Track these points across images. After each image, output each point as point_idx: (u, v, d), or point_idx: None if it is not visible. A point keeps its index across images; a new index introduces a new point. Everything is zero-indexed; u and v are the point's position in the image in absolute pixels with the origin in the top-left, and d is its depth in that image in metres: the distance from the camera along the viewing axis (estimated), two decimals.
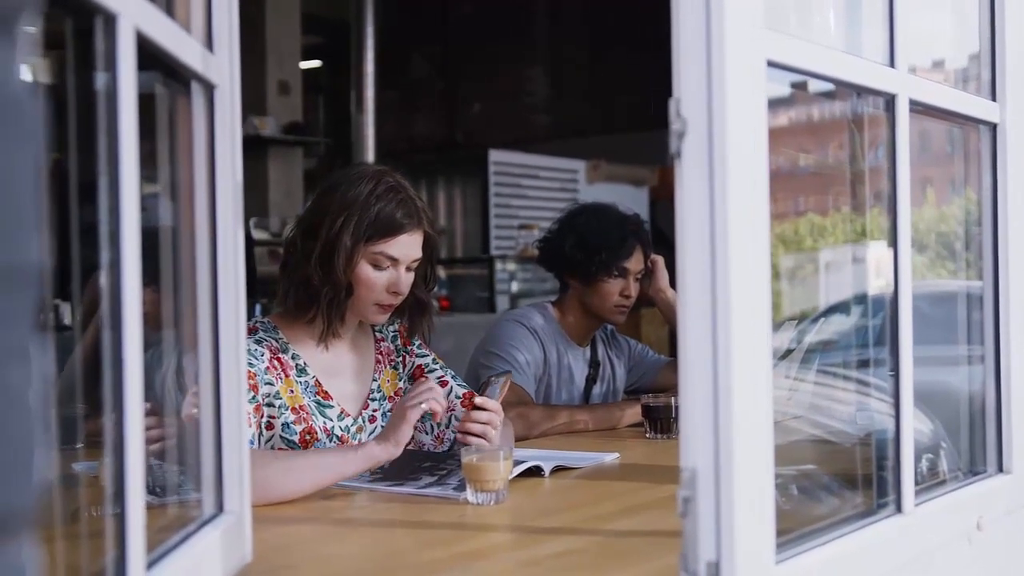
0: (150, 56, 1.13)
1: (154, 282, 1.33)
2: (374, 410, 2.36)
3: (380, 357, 2.42)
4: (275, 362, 2.20)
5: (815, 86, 1.57)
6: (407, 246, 2.25)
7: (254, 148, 7.10)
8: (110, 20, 1.01)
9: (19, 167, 0.57)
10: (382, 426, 2.33)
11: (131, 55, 1.04)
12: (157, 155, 1.36)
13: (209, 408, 1.39)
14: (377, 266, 2.23)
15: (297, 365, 2.26)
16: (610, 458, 2.38)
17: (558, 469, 2.22)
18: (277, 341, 2.25)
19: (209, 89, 1.37)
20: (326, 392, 2.28)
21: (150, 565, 1.11)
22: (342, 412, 2.28)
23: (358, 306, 2.27)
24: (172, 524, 1.34)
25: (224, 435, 1.40)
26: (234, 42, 1.42)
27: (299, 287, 2.24)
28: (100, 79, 1.04)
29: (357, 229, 2.19)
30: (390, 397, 2.40)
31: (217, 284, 1.39)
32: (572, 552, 1.60)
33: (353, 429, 2.30)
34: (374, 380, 2.39)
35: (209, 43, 1.37)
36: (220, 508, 1.40)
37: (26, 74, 0.59)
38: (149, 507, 1.09)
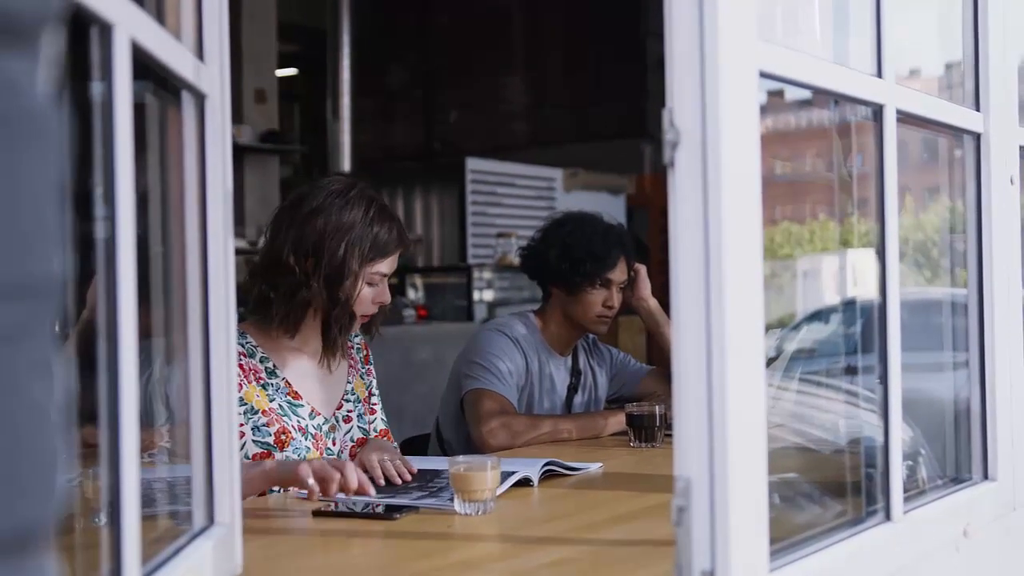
0: (142, 65, 1.13)
1: (143, 292, 1.32)
2: (348, 411, 2.44)
3: (352, 362, 2.50)
4: (238, 368, 2.23)
5: (791, 94, 1.57)
6: (395, 261, 2.37)
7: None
8: (106, 30, 1.01)
9: (41, 180, 0.56)
10: (358, 427, 2.43)
11: (127, 65, 1.03)
12: (147, 165, 1.35)
13: (199, 420, 1.39)
14: (371, 284, 2.33)
15: (267, 368, 2.31)
16: (595, 467, 2.38)
17: (547, 475, 2.22)
18: (243, 346, 2.28)
19: (200, 99, 1.37)
20: (296, 392, 2.33)
21: None
22: (312, 411, 2.33)
23: None
24: (163, 536, 1.33)
25: (215, 447, 1.39)
26: (224, 52, 1.42)
27: (300, 309, 2.29)
28: (95, 88, 1.03)
29: (361, 253, 2.28)
30: (363, 400, 2.48)
31: (208, 293, 1.38)
32: (564, 561, 1.59)
33: (326, 428, 2.36)
34: (348, 382, 2.46)
35: (200, 53, 1.37)
36: (211, 520, 1.39)
37: (47, 87, 0.59)
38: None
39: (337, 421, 2.40)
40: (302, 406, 2.32)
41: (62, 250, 0.59)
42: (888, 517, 1.55)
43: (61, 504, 0.59)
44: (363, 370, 2.53)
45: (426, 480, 2.17)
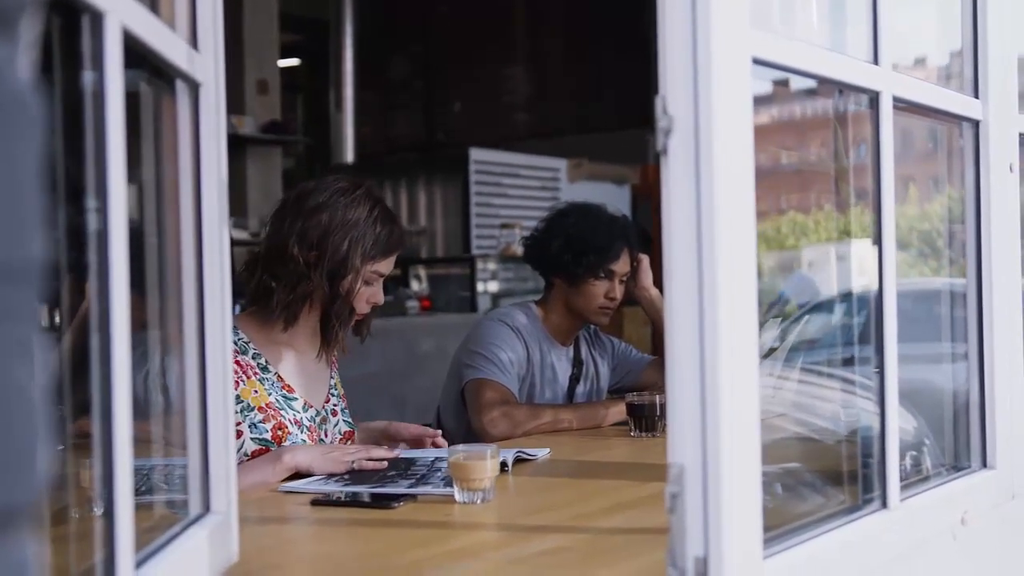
0: (135, 54, 1.13)
1: (138, 283, 1.32)
2: (334, 405, 2.49)
3: (333, 359, 2.53)
4: (234, 365, 2.24)
5: (797, 84, 1.57)
6: (392, 263, 2.41)
7: (232, 147, 7.01)
8: (97, 18, 1.01)
9: (22, 164, 0.57)
10: (344, 420, 2.48)
11: (118, 53, 1.03)
12: (141, 154, 1.35)
13: (195, 409, 1.39)
14: (367, 282, 2.36)
15: (259, 364, 2.34)
16: (542, 453, 2.41)
17: (519, 461, 2.27)
18: (236, 343, 2.29)
19: (194, 88, 1.37)
20: (289, 386, 2.36)
21: (138, 565, 1.11)
22: (305, 404, 2.37)
23: None
24: (159, 524, 1.33)
25: (210, 435, 1.40)
26: (219, 40, 1.42)
27: (301, 301, 2.32)
28: (87, 77, 1.03)
29: (363, 250, 2.31)
30: (342, 395, 2.53)
31: (203, 284, 1.38)
32: (560, 550, 1.60)
33: (318, 420, 2.40)
34: (332, 377, 2.51)
35: (194, 41, 1.37)
36: (207, 508, 1.39)
37: (27, 72, 0.59)
38: (135, 507, 1.09)
39: (327, 414, 2.44)
40: (296, 399, 2.36)
41: (43, 234, 0.60)
42: (884, 505, 1.55)
43: (43, 485, 0.60)
44: (338, 368, 2.58)
45: (404, 468, 2.17)
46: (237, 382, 2.25)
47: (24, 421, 0.57)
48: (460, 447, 1.98)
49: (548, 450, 2.45)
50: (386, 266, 2.37)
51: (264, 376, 2.32)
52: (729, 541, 1.18)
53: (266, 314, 2.33)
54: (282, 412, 2.30)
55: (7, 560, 0.55)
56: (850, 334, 2.06)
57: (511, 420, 2.80)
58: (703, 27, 1.17)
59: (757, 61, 1.26)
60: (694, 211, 1.19)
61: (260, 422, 2.26)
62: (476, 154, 8.23)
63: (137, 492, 1.15)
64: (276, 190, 7.80)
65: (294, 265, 2.28)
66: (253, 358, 2.32)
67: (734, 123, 1.21)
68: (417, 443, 2.46)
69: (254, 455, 2.23)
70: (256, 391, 2.29)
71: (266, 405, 2.28)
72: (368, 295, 2.37)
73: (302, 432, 2.32)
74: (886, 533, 1.53)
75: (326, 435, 2.41)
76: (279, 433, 2.27)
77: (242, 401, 2.25)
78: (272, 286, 2.30)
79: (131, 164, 1.09)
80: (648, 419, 2.70)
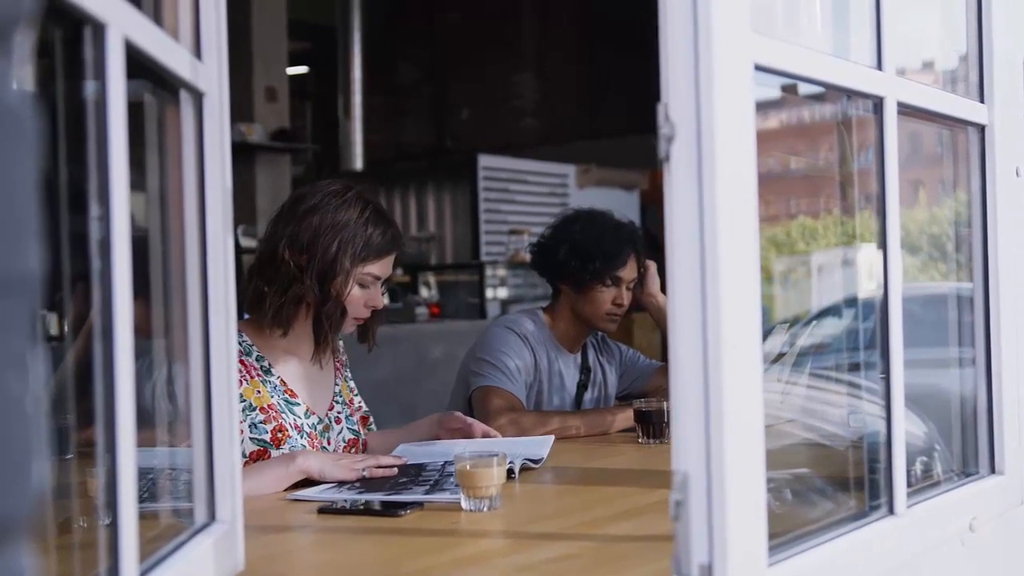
0: (138, 64, 1.13)
1: (143, 292, 1.33)
2: (338, 412, 2.48)
3: (339, 366, 2.54)
4: (238, 365, 2.25)
5: (805, 88, 1.57)
6: (390, 265, 2.40)
7: (241, 155, 7.08)
8: (99, 29, 1.01)
9: (17, 176, 0.57)
10: (347, 428, 2.47)
11: (120, 64, 1.04)
12: (146, 163, 1.35)
13: (200, 418, 1.39)
14: (362, 285, 2.35)
15: (262, 367, 2.35)
16: (546, 446, 2.43)
17: (525, 469, 2.27)
18: (240, 345, 2.30)
19: (198, 97, 1.37)
20: (292, 391, 2.37)
21: (143, 574, 1.11)
22: (308, 410, 2.37)
23: None
24: (164, 533, 1.33)
25: (216, 444, 1.40)
26: (223, 50, 1.42)
27: (292, 304, 2.32)
28: (89, 88, 1.03)
29: (354, 252, 2.30)
30: (348, 403, 2.52)
31: (207, 293, 1.39)
32: (566, 557, 1.59)
33: (320, 428, 2.40)
34: (336, 384, 2.50)
35: (198, 51, 1.37)
36: (212, 517, 1.39)
37: (22, 83, 0.59)
38: (140, 515, 1.09)
39: (330, 422, 2.44)
40: (298, 404, 2.36)
41: (39, 247, 0.60)
42: (891, 511, 1.54)
43: (39, 497, 0.60)
44: (346, 374, 2.58)
45: (415, 475, 2.17)
46: (240, 381, 2.25)
47: (19, 433, 0.57)
48: (466, 454, 1.98)
49: (552, 437, 2.47)
50: (380, 268, 2.36)
51: (267, 379, 2.33)
52: (733, 548, 1.18)
53: (264, 320, 2.34)
54: (283, 415, 2.30)
55: (3, 571, 0.55)
56: (859, 339, 2.05)
57: (518, 427, 2.80)
58: (704, 33, 1.17)
59: (759, 67, 1.26)
60: (696, 217, 1.19)
61: (261, 422, 2.27)
62: (484, 160, 8.24)
63: (141, 499, 1.15)
64: (285, 198, 7.79)
65: (285, 268, 2.29)
66: (257, 360, 2.33)
67: (736, 129, 1.21)
68: (466, 434, 2.49)
69: (252, 456, 2.24)
70: (259, 391, 2.30)
71: (268, 406, 2.29)
72: (365, 299, 2.36)
73: (302, 437, 2.32)
74: (893, 540, 1.53)
75: (329, 443, 2.40)
76: (278, 436, 2.28)
77: (244, 400, 2.26)
78: (264, 291, 2.31)
79: (136, 173, 1.10)
80: (656, 425, 2.69)
